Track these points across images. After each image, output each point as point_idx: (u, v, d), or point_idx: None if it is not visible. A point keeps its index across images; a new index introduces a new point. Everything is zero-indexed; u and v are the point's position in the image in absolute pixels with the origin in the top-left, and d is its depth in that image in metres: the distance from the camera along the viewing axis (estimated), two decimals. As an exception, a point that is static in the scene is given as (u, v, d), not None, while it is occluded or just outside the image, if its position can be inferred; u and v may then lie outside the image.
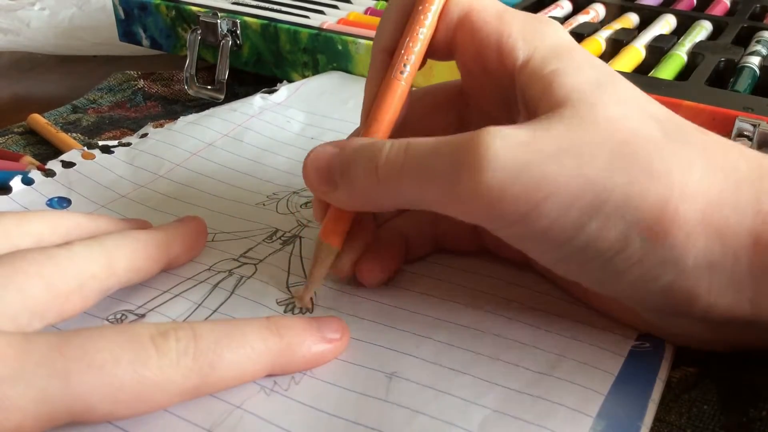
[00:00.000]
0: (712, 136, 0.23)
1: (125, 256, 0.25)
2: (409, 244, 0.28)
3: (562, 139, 0.21)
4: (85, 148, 0.37)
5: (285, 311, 0.26)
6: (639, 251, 0.21)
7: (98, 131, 0.44)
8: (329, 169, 0.24)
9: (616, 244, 0.21)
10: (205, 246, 0.29)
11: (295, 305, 0.26)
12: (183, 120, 0.40)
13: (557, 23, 0.25)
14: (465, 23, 0.25)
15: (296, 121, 0.41)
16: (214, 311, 0.26)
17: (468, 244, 0.29)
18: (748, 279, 0.21)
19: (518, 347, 0.24)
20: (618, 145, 0.21)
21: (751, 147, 0.34)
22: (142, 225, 0.29)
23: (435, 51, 0.26)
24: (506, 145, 0.21)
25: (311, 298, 0.27)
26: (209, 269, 0.28)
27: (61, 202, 0.32)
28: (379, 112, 0.25)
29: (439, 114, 0.29)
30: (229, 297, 0.27)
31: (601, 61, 0.24)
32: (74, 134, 0.43)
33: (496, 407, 0.22)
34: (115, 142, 0.38)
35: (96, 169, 0.35)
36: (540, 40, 0.24)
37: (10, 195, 0.32)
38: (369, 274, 0.27)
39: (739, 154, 0.22)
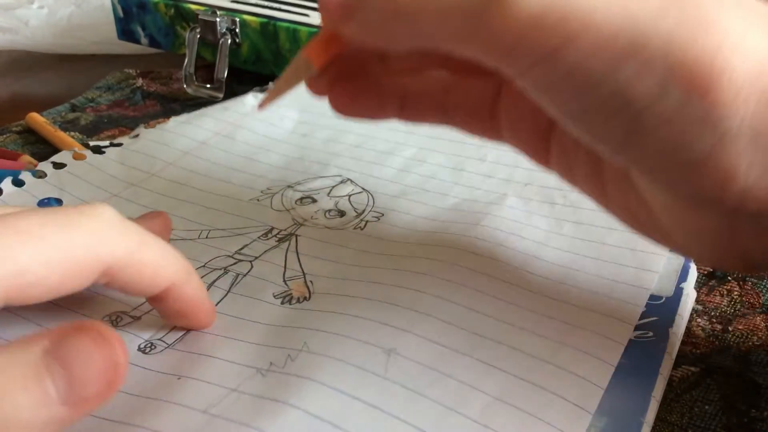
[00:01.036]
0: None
1: None
2: (409, 99, 0.26)
3: None
4: (82, 147, 0.37)
5: (282, 303, 0.26)
6: (676, 105, 0.18)
7: (97, 130, 0.44)
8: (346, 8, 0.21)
9: (650, 93, 0.18)
10: (169, 238, 0.29)
11: (293, 296, 0.26)
12: (175, 120, 0.40)
13: None
14: None
15: (289, 119, 0.41)
16: None
17: (481, 119, 0.26)
18: None
19: (519, 332, 0.24)
20: None
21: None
22: None
23: None
24: None
25: (308, 286, 0.27)
26: (204, 266, 0.28)
27: (52, 203, 0.32)
28: None
29: None
30: (225, 295, 0.27)
31: None
32: (73, 133, 0.43)
33: (497, 394, 0.22)
34: (107, 143, 0.37)
35: (88, 169, 0.35)
36: None
37: (0, 197, 0.32)
38: (339, 98, 0.25)
39: None
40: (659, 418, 0.22)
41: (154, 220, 0.28)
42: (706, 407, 0.23)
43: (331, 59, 0.23)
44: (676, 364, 0.24)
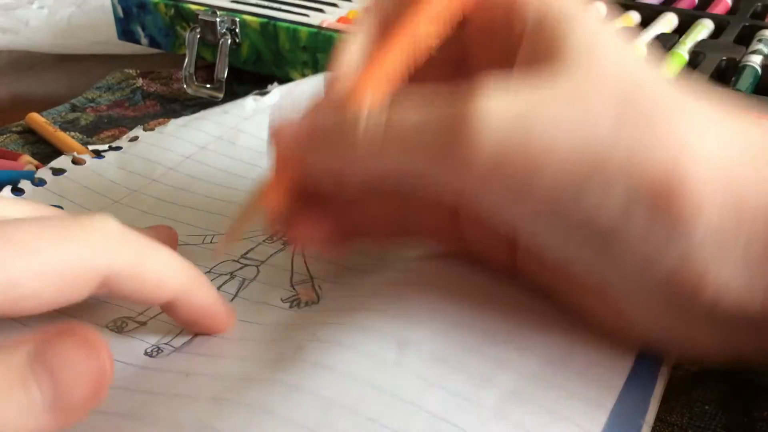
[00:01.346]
0: (726, 107, 0.21)
1: None
2: (365, 225, 0.26)
3: (564, 98, 0.19)
4: (82, 151, 0.37)
5: (290, 307, 0.26)
6: (643, 224, 0.19)
7: (97, 130, 0.44)
8: (298, 146, 0.22)
9: (618, 215, 0.19)
10: (176, 249, 0.29)
11: (301, 300, 0.26)
12: (174, 123, 0.40)
13: None
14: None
15: None
16: None
17: (444, 235, 0.26)
18: (764, 264, 0.19)
19: (531, 333, 0.23)
20: (627, 95, 0.19)
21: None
22: None
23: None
24: (502, 114, 0.19)
25: (316, 290, 0.26)
26: (210, 271, 0.28)
27: None
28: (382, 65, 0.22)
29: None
30: (232, 300, 0.26)
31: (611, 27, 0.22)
32: (73, 133, 0.43)
33: (512, 388, 0.21)
34: (106, 147, 0.37)
35: (87, 174, 0.35)
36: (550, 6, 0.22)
37: None
38: (298, 235, 0.25)
39: (753, 123, 0.20)
40: (659, 418, 0.22)
41: (159, 231, 0.28)
42: (706, 407, 0.23)
43: (283, 202, 0.23)
44: (676, 364, 0.24)
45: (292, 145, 0.22)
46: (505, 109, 0.19)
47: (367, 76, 0.23)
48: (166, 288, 0.22)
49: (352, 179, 0.22)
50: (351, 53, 0.24)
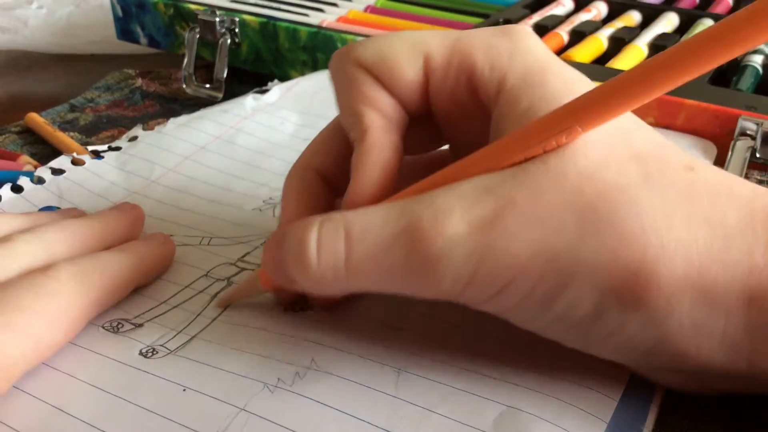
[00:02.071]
0: (702, 175, 0.20)
1: (64, 251, 0.25)
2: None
3: (527, 210, 0.19)
4: (81, 151, 0.37)
5: (285, 310, 0.26)
6: (616, 319, 0.19)
7: (96, 130, 0.43)
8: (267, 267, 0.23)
9: (591, 314, 0.19)
10: (141, 231, 0.30)
11: (296, 304, 0.26)
12: (173, 122, 0.39)
13: (520, 30, 0.23)
14: (431, 79, 0.23)
15: (290, 122, 0.40)
16: (214, 319, 0.26)
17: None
18: (745, 338, 0.19)
19: (528, 350, 0.24)
20: (587, 205, 0.19)
21: (753, 146, 0.34)
22: (76, 213, 0.29)
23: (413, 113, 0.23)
24: (465, 231, 0.19)
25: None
26: (206, 276, 0.28)
27: (53, 210, 0.32)
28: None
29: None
30: (228, 305, 0.26)
31: (579, 79, 0.22)
32: (72, 133, 0.43)
33: (509, 403, 0.21)
34: (105, 147, 0.37)
35: (87, 175, 0.35)
36: (508, 62, 0.21)
37: None
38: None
39: (728, 199, 0.20)
40: (660, 421, 0.22)
41: (125, 210, 0.29)
42: (707, 409, 0.23)
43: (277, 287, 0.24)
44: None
45: (265, 263, 0.23)
46: (467, 220, 0.19)
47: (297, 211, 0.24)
48: (127, 287, 0.26)
49: (320, 297, 0.24)
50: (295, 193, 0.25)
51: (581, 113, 0.19)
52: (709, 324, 0.19)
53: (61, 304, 0.23)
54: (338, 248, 0.20)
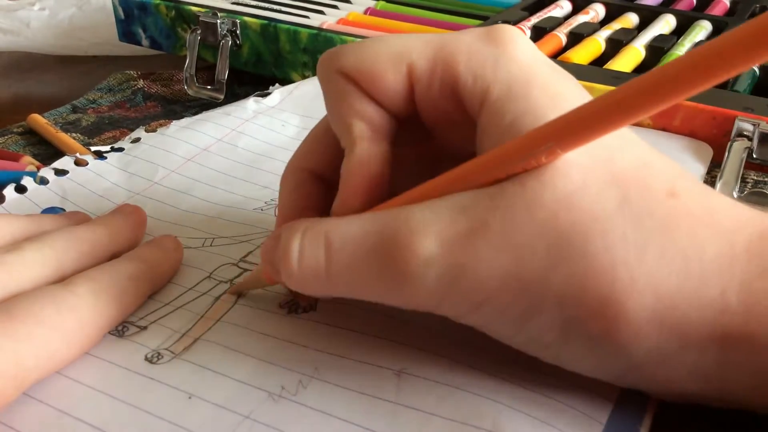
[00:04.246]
0: (684, 201, 0.19)
1: (73, 259, 0.25)
2: None
3: (499, 235, 0.19)
4: (84, 151, 0.37)
5: (288, 312, 0.26)
6: (584, 347, 0.20)
7: (98, 131, 0.44)
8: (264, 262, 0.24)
9: (559, 339, 0.20)
10: (144, 234, 0.30)
11: (299, 305, 0.26)
12: (176, 124, 0.40)
13: (507, 34, 0.22)
14: (415, 87, 0.22)
15: (291, 125, 0.41)
16: (218, 320, 0.26)
17: None
18: (717, 371, 0.19)
19: (525, 354, 0.24)
20: (560, 234, 0.18)
21: (750, 147, 0.34)
22: (81, 218, 0.29)
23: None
24: (438, 252, 0.19)
25: (314, 298, 0.27)
26: (209, 277, 0.28)
27: (57, 211, 0.32)
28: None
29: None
30: (232, 307, 0.26)
31: (565, 89, 0.21)
32: (74, 134, 0.43)
33: (508, 403, 0.22)
34: (108, 148, 0.37)
35: (90, 176, 0.35)
36: (492, 72, 0.21)
37: (2, 204, 0.32)
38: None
39: (709, 231, 0.19)
40: (657, 421, 0.22)
41: (129, 217, 0.29)
42: (706, 408, 0.23)
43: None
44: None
45: (262, 262, 0.24)
46: (438, 251, 0.19)
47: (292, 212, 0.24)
48: (141, 294, 0.26)
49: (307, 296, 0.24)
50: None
51: (561, 134, 0.18)
52: (679, 357, 0.19)
53: (79, 320, 0.23)
54: (318, 256, 0.21)
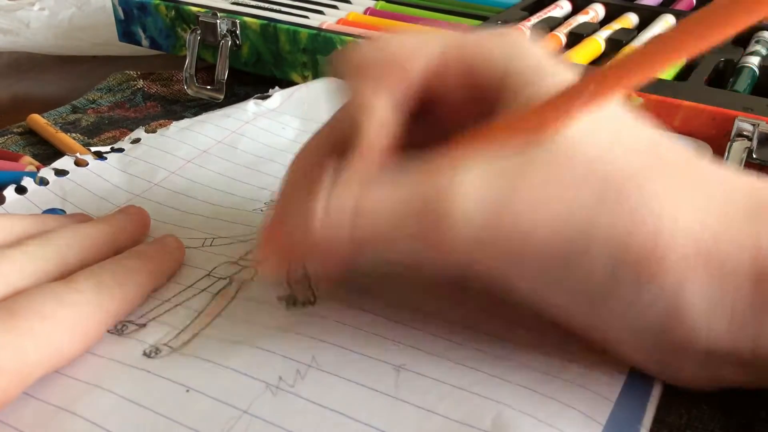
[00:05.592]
0: (709, 164, 0.21)
1: (76, 254, 0.25)
2: None
3: (543, 182, 0.20)
4: (84, 151, 0.37)
5: (287, 307, 0.26)
6: (630, 289, 0.20)
7: (98, 131, 0.44)
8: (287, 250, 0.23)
9: (607, 281, 0.20)
10: (147, 234, 0.30)
11: (297, 299, 0.26)
12: (176, 125, 0.40)
13: (518, 33, 0.24)
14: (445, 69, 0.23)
15: (291, 128, 0.41)
16: (217, 316, 0.26)
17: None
18: (751, 315, 0.20)
19: (525, 350, 0.24)
20: (600, 183, 0.20)
21: (750, 147, 0.34)
22: (83, 218, 0.29)
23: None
24: (480, 202, 0.20)
25: (313, 291, 0.27)
26: (209, 275, 0.28)
27: (57, 213, 0.32)
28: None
29: None
30: (230, 302, 0.27)
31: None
32: (74, 134, 0.43)
33: (508, 403, 0.22)
34: (108, 148, 0.37)
35: (90, 177, 0.35)
36: (507, 63, 0.22)
37: (2, 205, 0.32)
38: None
39: (737, 186, 0.21)
40: (657, 420, 0.22)
41: (132, 217, 0.29)
42: (705, 407, 0.23)
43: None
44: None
45: (265, 239, 0.24)
46: (482, 196, 0.20)
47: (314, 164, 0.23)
48: (143, 292, 0.26)
49: (330, 270, 0.24)
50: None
51: (602, 78, 0.20)
52: (720, 300, 0.20)
53: (81, 315, 0.23)
54: (345, 215, 0.20)
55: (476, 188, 0.20)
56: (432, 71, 0.23)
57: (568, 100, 0.20)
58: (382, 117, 0.22)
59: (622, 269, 0.20)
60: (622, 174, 0.20)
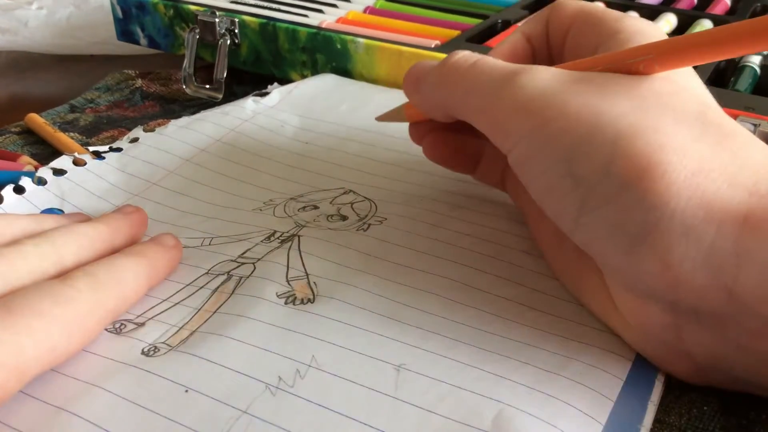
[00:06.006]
0: (742, 132, 0.22)
1: (72, 252, 0.25)
2: (482, 162, 0.32)
3: (592, 80, 0.23)
4: (82, 151, 0.37)
5: (286, 303, 0.26)
6: (617, 185, 0.21)
7: (96, 131, 0.44)
8: (417, 76, 0.28)
9: (595, 173, 0.21)
10: (144, 232, 0.30)
11: (297, 297, 0.26)
12: (174, 124, 0.39)
13: None
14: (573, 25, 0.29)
15: (290, 126, 0.40)
16: (215, 312, 0.26)
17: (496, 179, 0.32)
18: (731, 259, 0.20)
19: (525, 347, 0.24)
20: (641, 97, 0.22)
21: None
22: (81, 218, 0.30)
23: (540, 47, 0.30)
24: (542, 77, 0.24)
25: (311, 287, 0.27)
26: (207, 273, 0.28)
27: (55, 212, 0.32)
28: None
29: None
30: (229, 297, 0.27)
31: None
32: (72, 134, 0.43)
33: (508, 401, 0.21)
34: (106, 148, 0.37)
35: (88, 177, 0.35)
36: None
37: (0, 205, 0.32)
38: (428, 147, 0.31)
39: (746, 141, 0.22)
40: (658, 420, 0.22)
41: (130, 216, 0.29)
42: (705, 408, 0.23)
43: (418, 118, 0.31)
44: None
45: (410, 86, 0.29)
46: (544, 77, 0.24)
47: None
48: (135, 297, 0.26)
49: (440, 114, 0.28)
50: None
51: (661, 50, 0.23)
52: (700, 230, 0.20)
53: (78, 313, 0.23)
54: (467, 63, 0.26)
55: (546, 71, 0.24)
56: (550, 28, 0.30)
57: (625, 57, 0.23)
58: (514, 38, 0.30)
59: (615, 163, 0.21)
60: (687, 95, 0.23)
